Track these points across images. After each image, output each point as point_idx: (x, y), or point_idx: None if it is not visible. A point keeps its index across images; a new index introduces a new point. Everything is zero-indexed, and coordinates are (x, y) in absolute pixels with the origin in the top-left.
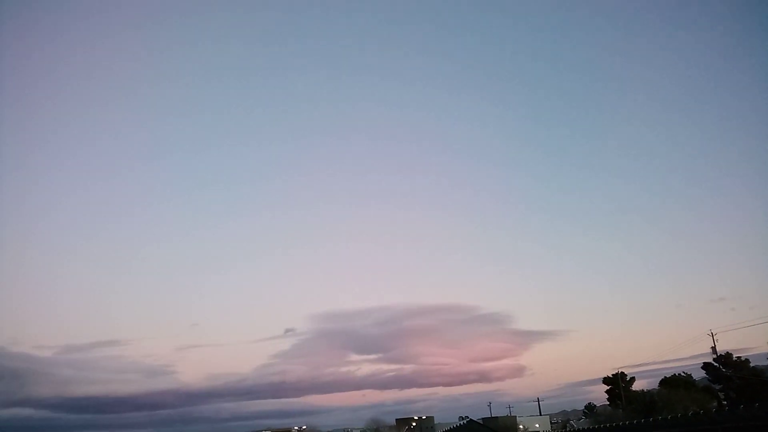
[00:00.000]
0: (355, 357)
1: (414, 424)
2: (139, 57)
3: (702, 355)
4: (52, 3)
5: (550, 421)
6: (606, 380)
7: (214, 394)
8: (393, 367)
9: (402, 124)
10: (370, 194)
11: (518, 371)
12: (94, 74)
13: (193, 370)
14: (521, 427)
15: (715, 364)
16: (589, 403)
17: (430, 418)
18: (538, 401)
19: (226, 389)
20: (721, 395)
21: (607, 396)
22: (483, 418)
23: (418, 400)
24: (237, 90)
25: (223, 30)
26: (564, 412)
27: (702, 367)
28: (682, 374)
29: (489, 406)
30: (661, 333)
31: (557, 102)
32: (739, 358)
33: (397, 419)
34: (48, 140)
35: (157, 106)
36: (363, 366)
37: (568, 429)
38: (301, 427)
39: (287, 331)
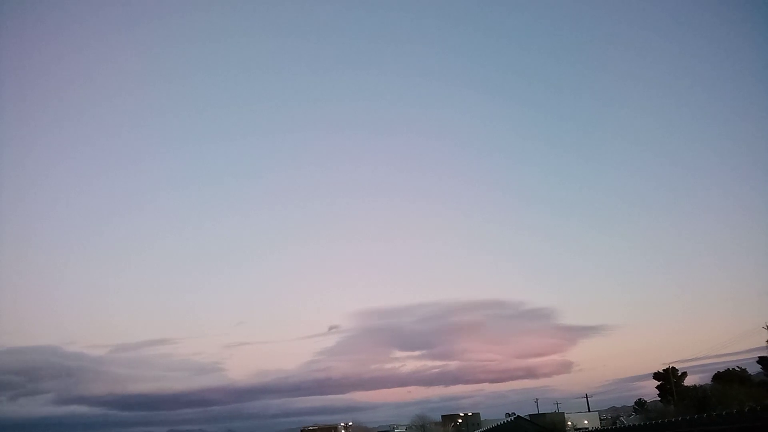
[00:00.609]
0: (399, 353)
1: (460, 420)
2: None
3: (757, 349)
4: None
5: (600, 418)
6: (657, 375)
7: (261, 391)
8: (438, 363)
9: (437, 122)
10: (411, 190)
11: (565, 367)
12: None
13: (241, 367)
14: (569, 423)
15: None
16: (640, 399)
17: (476, 415)
18: (587, 397)
19: (273, 386)
20: None
21: (657, 392)
22: (530, 415)
23: (464, 396)
24: (266, 85)
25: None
26: (613, 409)
27: (758, 362)
28: (737, 369)
29: (536, 402)
30: (714, 326)
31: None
32: None
33: (443, 416)
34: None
35: (181, 100)
36: (408, 362)
37: (618, 425)
38: (347, 424)
39: (331, 328)
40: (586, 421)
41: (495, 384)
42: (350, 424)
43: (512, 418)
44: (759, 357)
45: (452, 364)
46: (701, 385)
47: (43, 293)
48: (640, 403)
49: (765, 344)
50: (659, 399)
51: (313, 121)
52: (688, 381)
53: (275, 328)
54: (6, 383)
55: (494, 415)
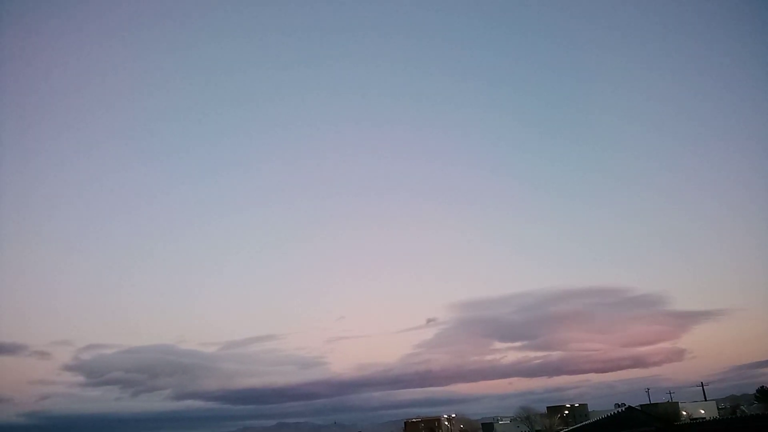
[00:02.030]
0: (499, 345)
1: (567, 412)
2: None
3: None
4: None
5: (717, 407)
6: None
7: (363, 384)
8: (540, 354)
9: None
10: (503, 178)
11: (677, 355)
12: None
13: (343, 360)
14: (684, 413)
15: None
16: (762, 387)
17: (583, 406)
18: (702, 386)
19: (375, 379)
20: None
21: None
22: (641, 405)
23: (569, 387)
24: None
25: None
26: (732, 397)
27: None
28: None
29: (647, 392)
30: None
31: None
32: None
33: (548, 407)
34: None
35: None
36: (508, 354)
37: (738, 415)
38: (450, 416)
39: (429, 320)
40: (702, 411)
41: (601, 374)
42: (453, 416)
43: (623, 409)
44: None
45: (555, 355)
46: None
47: (158, 296)
48: (763, 391)
49: None
50: None
51: (399, 116)
52: None
53: (374, 321)
54: (129, 381)
55: (602, 405)
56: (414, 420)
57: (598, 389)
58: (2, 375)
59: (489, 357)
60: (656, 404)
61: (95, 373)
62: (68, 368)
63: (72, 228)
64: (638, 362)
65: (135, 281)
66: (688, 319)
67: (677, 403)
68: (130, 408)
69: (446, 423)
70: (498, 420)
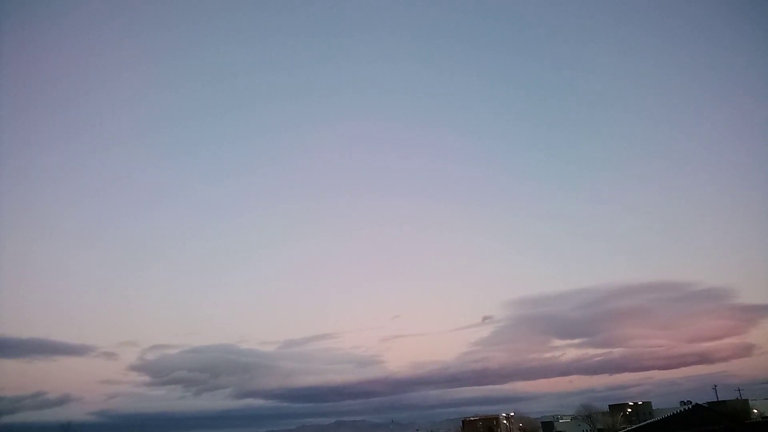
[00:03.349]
0: (557, 342)
1: (630, 410)
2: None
3: None
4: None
5: None
6: None
7: (419, 382)
8: (600, 351)
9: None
10: (557, 174)
11: (746, 350)
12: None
13: (398, 359)
14: (755, 411)
15: None
16: None
17: (647, 404)
18: None
19: (431, 377)
20: None
21: None
22: (709, 403)
23: (631, 385)
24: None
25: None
26: None
27: None
28: None
29: (714, 389)
30: None
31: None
32: None
33: (610, 405)
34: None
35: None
36: (567, 351)
37: None
38: (509, 414)
39: (485, 318)
40: None
41: (665, 371)
42: (512, 414)
43: (689, 407)
44: None
45: (616, 352)
46: None
47: (219, 296)
48: None
49: None
50: None
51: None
52: None
53: (429, 320)
54: (192, 380)
55: (667, 404)
56: (472, 418)
57: (662, 387)
58: (73, 375)
59: (547, 354)
60: (724, 402)
61: (160, 372)
62: (134, 368)
63: (141, 233)
64: (704, 358)
65: (198, 283)
66: (756, 312)
67: (747, 400)
68: (193, 406)
69: (504, 422)
70: (558, 418)
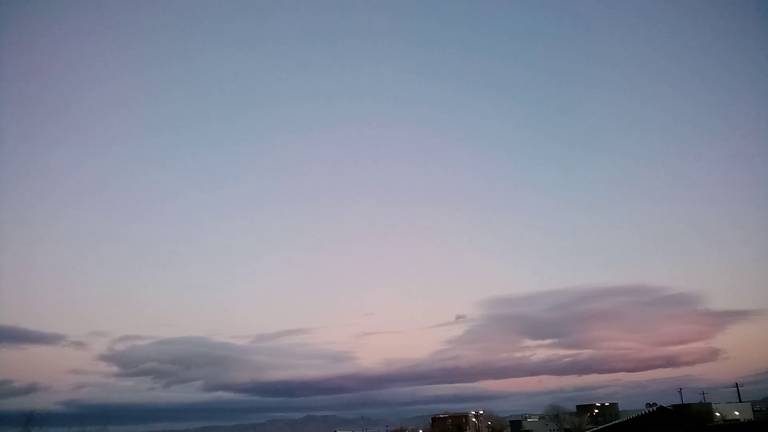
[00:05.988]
0: (529, 342)
1: (597, 411)
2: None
3: None
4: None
5: (753, 409)
6: None
7: (391, 379)
8: (570, 352)
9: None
10: (533, 177)
11: (711, 355)
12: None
13: (371, 356)
14: (717, 414)
15: None
16: None
17: (614, 405)
18: (737, 387)
19: (402, 374)
20: None
21: None
22: (673, 405)
23: (599, 386)
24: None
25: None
26: None
27: None
28: None
29: (680, 392)
30: None
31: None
32: None
33: (578, 406)
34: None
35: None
36: (538, 351)
37: None
38: (477, 412)
39: (458, 317)
40: (737, 413)
41: (632, 373)
42: (481, 412)
43: (654, 409)
44: None
45: (585, 353)
46: None
47: (191, 289)
48: None
49: None
50: None
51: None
52: None
53: (403, 318)
54: (162, 371)
55: (633, 405)
56: (441, 416)
57: (629, 388)
58: (41, 364)
59: (518, 354)
60: (689, 405)
61: (129, 363)
62: (104, 358)
63: (108, 224)
64: (671, 362)
65: (169, 275)
66: (724, 318)
67: (710, 404)
68: (163, 398)
69: (474, 419)
70: (526, 418)
